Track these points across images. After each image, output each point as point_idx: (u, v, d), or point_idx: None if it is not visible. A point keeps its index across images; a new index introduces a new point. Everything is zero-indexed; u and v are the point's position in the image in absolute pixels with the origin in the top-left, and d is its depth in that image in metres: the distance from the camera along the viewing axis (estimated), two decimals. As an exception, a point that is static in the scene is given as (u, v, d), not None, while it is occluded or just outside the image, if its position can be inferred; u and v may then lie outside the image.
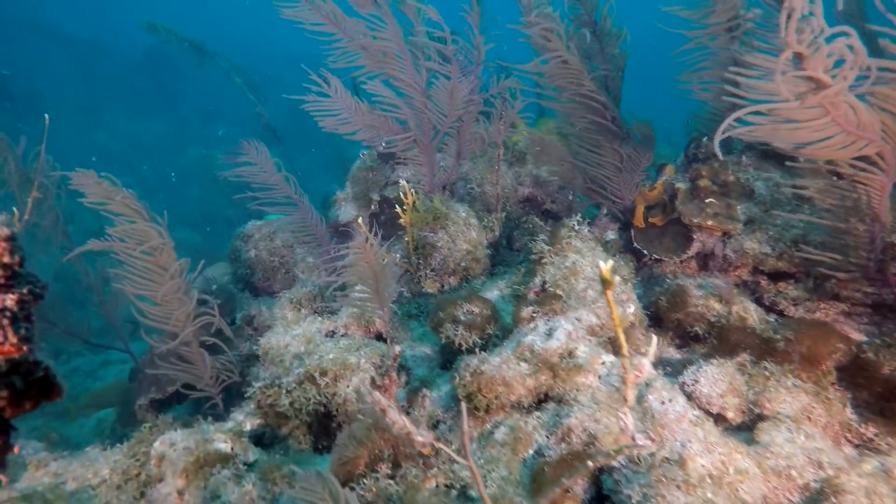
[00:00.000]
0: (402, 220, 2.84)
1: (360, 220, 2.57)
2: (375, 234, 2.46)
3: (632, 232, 3.12)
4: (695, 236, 2.87)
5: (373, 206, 3.70)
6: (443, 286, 2.96)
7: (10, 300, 1.08)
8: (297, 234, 3.60)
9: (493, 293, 2.67)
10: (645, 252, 2.99)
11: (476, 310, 2.45)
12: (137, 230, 2.77)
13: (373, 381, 2.03)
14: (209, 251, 8.61)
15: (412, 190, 2.82)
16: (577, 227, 2.60)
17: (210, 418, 2.64)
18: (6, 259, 1.09)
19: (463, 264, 2.92)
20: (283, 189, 3.26)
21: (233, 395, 3.19)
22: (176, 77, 20.10)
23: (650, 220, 3.07)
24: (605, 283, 1.15)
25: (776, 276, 2.66)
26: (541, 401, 2.12)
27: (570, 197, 3.52)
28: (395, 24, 2.82)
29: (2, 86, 16.88)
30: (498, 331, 2.44)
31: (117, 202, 2.68)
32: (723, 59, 2.93)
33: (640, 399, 1.98)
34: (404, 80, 2.86)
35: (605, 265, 1.15)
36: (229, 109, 18.58)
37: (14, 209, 3.00)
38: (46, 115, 3.07)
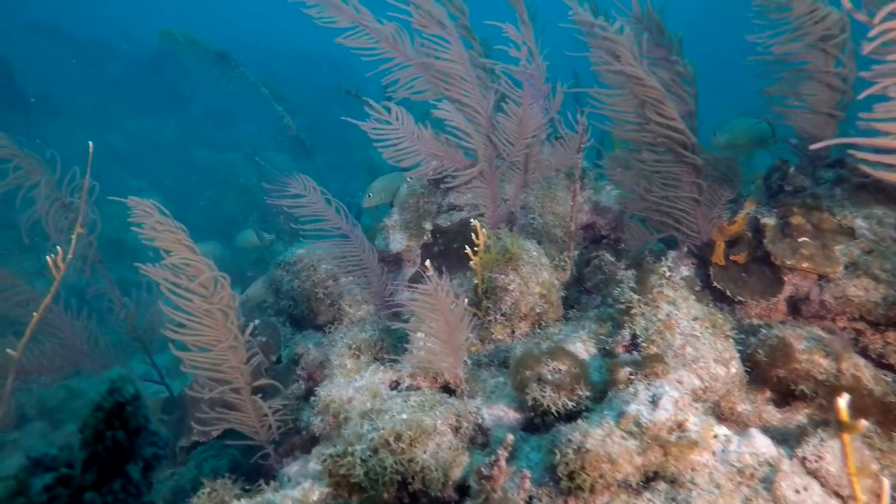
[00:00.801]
0: (472, 263, 2.64)
1: (425, 261, 2.37)
2: (439, 272, 2.27)
3: (710, 269, 2.92)
4: (786, 278, 2.67)
5: (425, 237, 3.50)
6: (513, 332, 2.76)
7: (134, 471, 0.89)
8: (344, 265, 3.40)
9: (575, 346, 2.46)
10: (727, 292, 2.78)
11: (563, 367, 2.25)
12: (190, 266, 2.56)
13: (479, 472, 1.83)
14: (234, 264, 8.43)
15: (483, 228, 2.62)
16: (668, 274, 2.40)
17: (263, 482, 2.45)
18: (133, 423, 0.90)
19: (537, 309, 2.71)
20: (334, 220, 3.06)
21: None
22: (184, 77, 19.92)
23: (731, 257, 2.87)
24: (844, 427, 0.94)
25: (881, 326, 2.45)
26: (649, 479, 1.92)
27: (628, 224, 3.31)
28: (459, 45, 2.59)
29: (15, 91, 16.69)
30: (588, 391, 2.23)
31: (170, 238, 2.47)
32: (818, 76, 2.72)
33: (769, 485, 1.78)
34: (470, 104, 2.64)
35: (842, 402, 0.94)
36: (239, 110, 18.41)
37: (58, 247, 2.80)
38: (90, 143, 2.86)
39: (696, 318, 2.30)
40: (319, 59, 21.25)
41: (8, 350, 2.52)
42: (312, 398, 3.12)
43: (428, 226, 3.49)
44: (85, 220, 3.63)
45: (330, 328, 3.66)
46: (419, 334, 2.72)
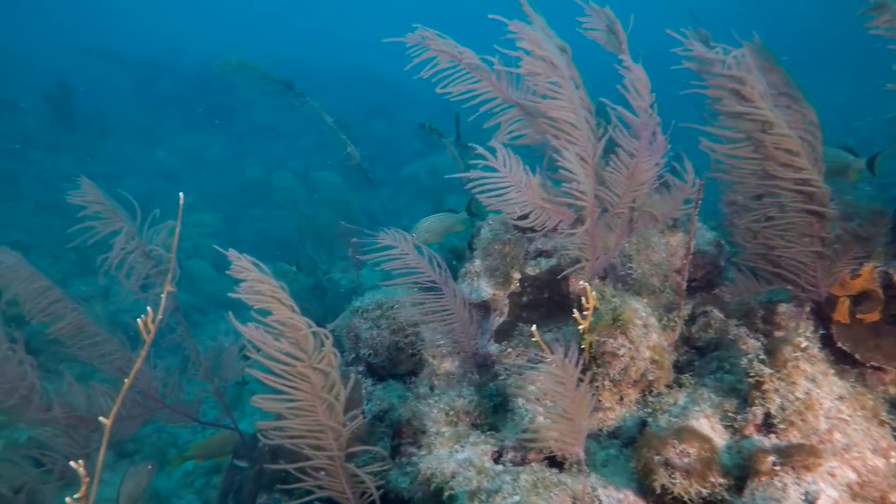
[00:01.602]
0: (581, 327, 2.47)
1: (514, 312, 2.19)
2: (529, 323, 2.10)
3: (832, 328, 2.70)
4: (929, 344, 2.44)
5: (513, 286, 3.34)
6: (622, 398, 2.57)
7: None
8: (427, 312, 3.25)
9: (699, 422, 2.27)
10: (857, 356, 2.56)
11: (693, 451, 2.06)
12: (288, 325, 2.42)
13: None
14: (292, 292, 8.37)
15: (592, 290, 2.44)
16: (804, 345, 2.19)
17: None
18: None
19: (648, 376, 2.53)
20: (427, 273, 2.91)
21: None
22: (229, 93, 20.13)
23: (859, 315, 2.64)
24: None
25: None
26: (809, 591, 1.72)
27: (736, 274, 3.10)
28: (571, 88, 2.41)
29: (72, 111, 17.06)
30: (722, 478, 2.04)
31: (269, 295, 2.34)
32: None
33: None
34: (563, 151, 2.46)
35: None
36: (284, 126, 18.52)
37: (148, 308, 2.70)
38: (181, 194, 2.75)
39: (840, 398, 2.09)
40: (362, 73, 21.29)
41: (101, 418, 2.43)
42: (401, 458, 2.98)
43: (516, 274, 3.33)
44: (164, 270, 3.54)
45: (412, 380, 3.52)
46: (525, 401, 2.56)
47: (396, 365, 3.53)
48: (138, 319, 2.91)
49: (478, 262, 3.54)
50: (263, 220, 12.05)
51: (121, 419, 3.40)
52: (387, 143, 15.29)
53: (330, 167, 14.51)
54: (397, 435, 3.23)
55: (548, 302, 3.28)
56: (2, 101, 18.81)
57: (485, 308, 3.41)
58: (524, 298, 3.32)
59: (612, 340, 2.53)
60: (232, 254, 2.27)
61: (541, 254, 3.42)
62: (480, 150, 2.39)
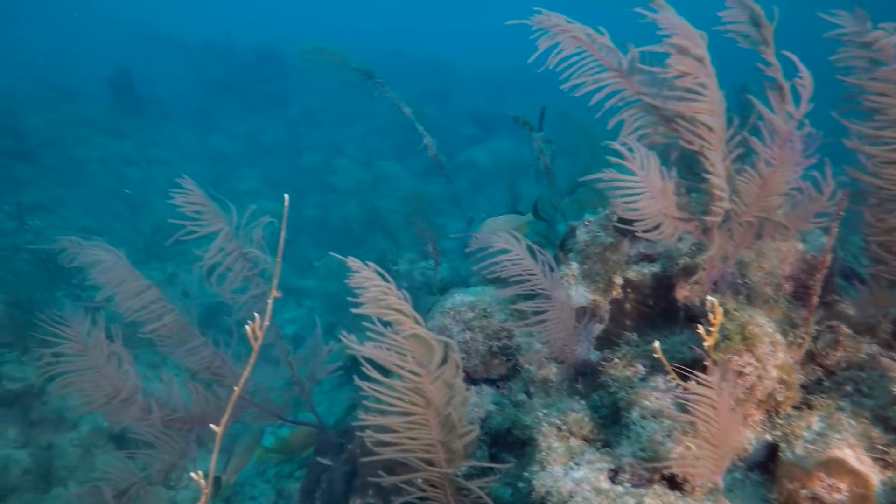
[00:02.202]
0: (705, 344, 2.34)
1: (617, 318, 2.08)
2: (633, 331, 1.99)
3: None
4: None
5: (615, 292, 3.22)
6: (746, 419, 2.45)
7: None
8: (524, 316, 3.17)
9: (843, 452, 2.14)
10: None
11: (843, 486, 1.94)
12: (406, 341, 2.34)
13: None
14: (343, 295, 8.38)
15: (719, 306, 2.31)
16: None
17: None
18: None
19: (777, 396, 2.40)
20: (541, 280, 2.82)
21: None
22: (283, 79, 20.25)
23: None
24: None
25: None
26: None
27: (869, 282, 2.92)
28: (716, 90, 2.25)
29: (134, 97, 17.37)
30: (877, 517, 1.91)
31: (394, 307, 2.27)
32: None
33: None
34: (709, 158, 2.32)
35: None
36: (337, 112, 18.54)
37: (255, 314, 2.67)
38: (286, 195, 2.69)
39: None
40: (412, 58, 21.14)
41: (212, 425, 2.42)
42: (502, 469, 2.92)
43: (619, 280, 3.21)
44: (257, 269, 3.52)
45: (505, 385, 3.45)
46: (641, 417, 2.46)
47: (489, 370, 3.46)
48: (246, 326, 2.89)
49: (574, 265, 3.43)
50: (321, 206, 12.09)
51: (212, 419, 3.40)
52: (441, 128, 15.14)
53: (389, 155, 14.50)
54: (495, 444, 3.17)
55: (652, 310, 3.16)
56: (67, 89, 19.32)
57: (582, 314, 3.31)
58: (627, 305, 3.20)
59: (737, 358, 2.41)
60: (352, 262, 2.21)
61: (643, 258, 3.30)
62: (618, 146, 2.25)
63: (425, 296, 5.86)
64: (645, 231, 2.46)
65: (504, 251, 2.78)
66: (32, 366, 5.92)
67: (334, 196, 11.66)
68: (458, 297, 3.69)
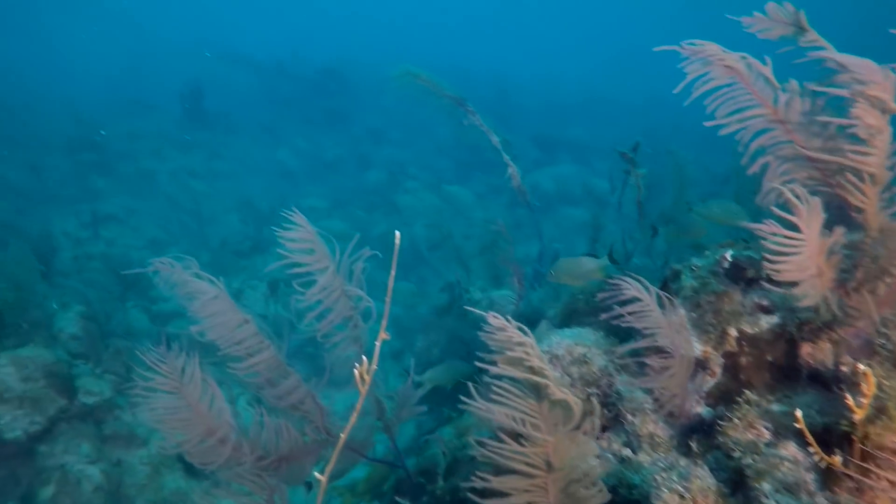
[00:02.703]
0: (856, 417, 2.13)
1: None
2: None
3: None
4: None
5: (728, 345, 3.01)
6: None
7: None
8: (628, 363, 2.98)
9: None
10: None
11: None
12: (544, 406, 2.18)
13: None
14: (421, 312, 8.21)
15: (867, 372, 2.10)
16: None
17: None
18: None
19: (937, 480, 2.16)
20: (665, 334, 2.63)
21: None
22: (346, 97, 20.48)
23: None
24: None
25: None
26: None
27: None
28: (888, 136, 2.03)
29: (203, 111, 17.79)
30: None
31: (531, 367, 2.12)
32: None
33: None
34: (869, 214, 2.10)
35: None
36: (400, 130, 18.63)
37: (363, 357, 2.55)
38: (397, 232, 2.55)
39: None
40: (480, 79, 21.14)
41: (316, 473, 2.30)
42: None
43: (733, 331, 2.99)
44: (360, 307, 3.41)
45: (603, 436, 3.26)
46: (782, 493, 2.25)
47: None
48: (354, 370, 2.78)
49: (682, 312, 3.22)
50: (384, 227, 12.06)
51: (298, 456, 3.30)
52: (505, 149, 15.02)
53: (451, 175, 14.43)
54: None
55: (771, 366, 2.93)
56: (142, 102, 19.94)
57: (692, 365, 3.10)
58: (742, 360, 2.98)
59: (891, 436, 2.18)
60: (494, 320, 2.06)
61: (759, 309, 3.07)
62: (788, 195, 2.03)
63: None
64: (790, 289, 2.25)
65: (637, 299, 2.60)
66: (107, 380, 5.97)
67: (398, 217, 11.62)
68: (555, 339, 3.51)
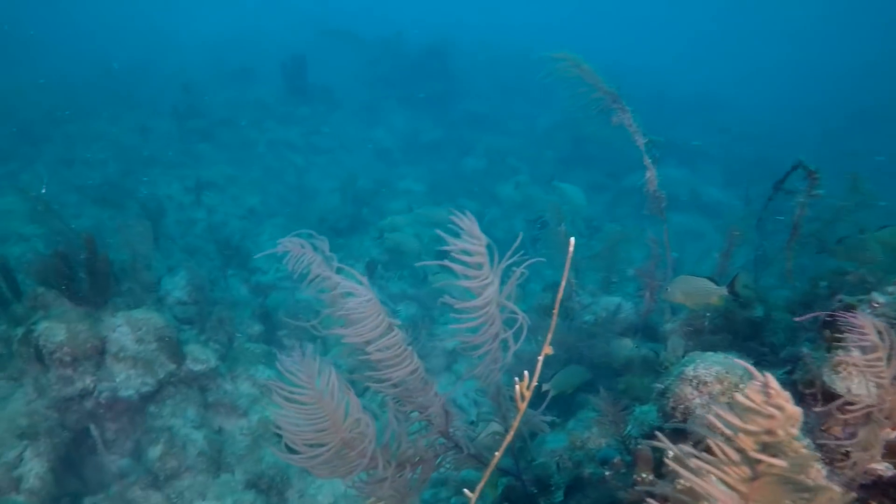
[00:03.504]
0: None
1: None
2: None
3: None
4: None
5: (918, 394, 2.69)
6: None
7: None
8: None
9: None
10: None
11: None
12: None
13: None
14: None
15: None
16: None
17: None
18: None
19: None
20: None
21: None
22: (447, 80, 20.35)
23: None
24: None
25: None
26: None
27: None
28: None
29: (305, 85, 18.02)
30: None
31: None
32: None
33: None
34: None
35: None
36: (497, 118, 18.37)
37: (524, 373, 2.39)
38: (572, 239, 2.37)
39: None
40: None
41: (465, 490, 2.16)
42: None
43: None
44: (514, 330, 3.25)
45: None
46: None
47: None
48: (516, 385, 2.62)
49: (856, 353, 2.92)
50: (479, 216, 11.90)
51: (421, 464, 3.17)
52: (609, 145, 14.60)
53: (550, 166, 14.09)
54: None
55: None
56: (244, 72, 20.39)
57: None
58: (933, 412, 2.66)
59: None
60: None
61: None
62: None
63: (615, 337, 5.45)
64: None
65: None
66: (211, 348, 6.05)
67: (497, 208, 11.43)
68: (702, 363, 3.26)
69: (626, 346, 5.12)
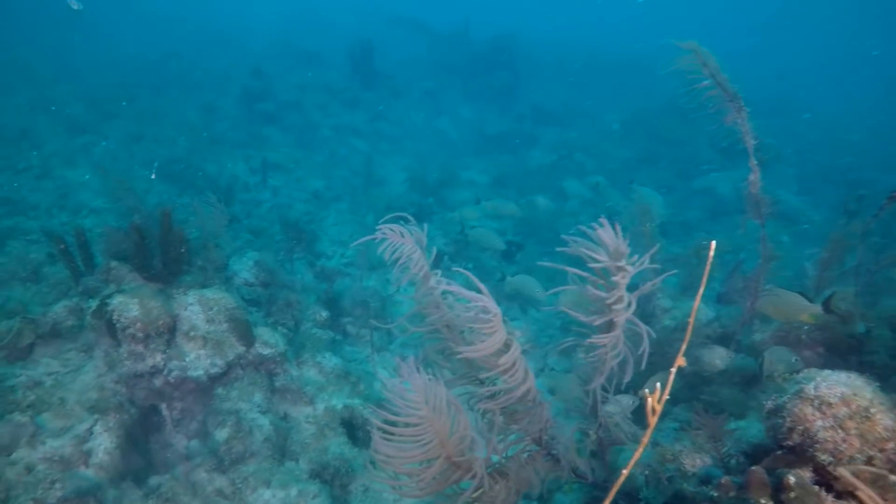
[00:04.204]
0: None
1: None
2: None
3: None
4: None
5: None
6: None
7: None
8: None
9: None
10: None
11: None
12: None
13: None
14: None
15: None
16: None
17: None
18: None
19: None
20: None
21: None
22: (514, 72, 20.03)
23: None
24: None
25: None
26: None
27: None
28: None
29: (367, 70, 17.93)
30: None
31: None
32: None
33: None
34: None
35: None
36: (564, 112, 17.97)
37: (656, 384, 2.16)
38: (713, 243, 2.15)
39: None
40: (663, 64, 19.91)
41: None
42: None
43: None
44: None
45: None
46: None
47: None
48: (647, 398, 2.37)
49: None
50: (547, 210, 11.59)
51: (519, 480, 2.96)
52: (680, 145, 14.11)
53: (619, 164, 13.67)
54: None
55: None
56: (312, 57, 20.43)
57: None
58: None
59: None
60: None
61: None
62: None
63: (704, 344, 5.11)
64: None
65: None
66: (280, 332, 5.94)
67: (564, 202, 11.10)
68: (824, 382, 2.96)
69: (720, 355, 4.81)
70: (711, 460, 3.89)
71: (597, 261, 2.32)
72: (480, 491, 2.52)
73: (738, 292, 6.02)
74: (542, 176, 12.66)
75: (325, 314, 6.87)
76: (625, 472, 2.12)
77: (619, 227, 2.39)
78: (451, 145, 15.99)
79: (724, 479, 3.04)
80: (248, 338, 5.56)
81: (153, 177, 9.22)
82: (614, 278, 2.33)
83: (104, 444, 4.81)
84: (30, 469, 4.50)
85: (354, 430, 5.57)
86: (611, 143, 14.51)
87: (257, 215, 10.85)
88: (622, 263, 2.30)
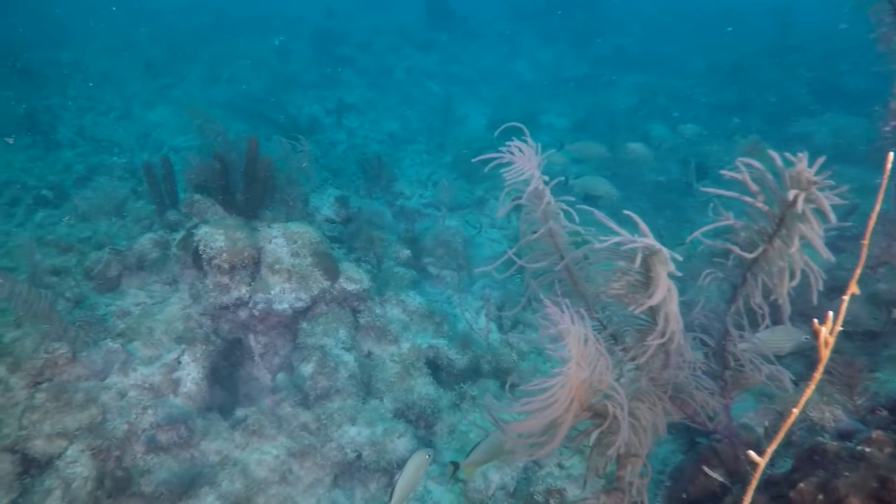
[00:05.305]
0: None
1: None
2: None
3: None
4: None
5: None
6: None
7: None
8: None
9: None
10: None
11: None
12: None
13: None
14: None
15: None
16: None
17: None
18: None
19: None
20: None
21: None
22: (594, 13, 19.15)
23: None
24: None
25: None
26: None
27: None
28: None
29: (442, 11, 17.44)
30: None
31: None
32: None
33: None
34: None
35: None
36: (646, 55, 17.09)
37: (828, 313, 1.81)
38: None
39: None
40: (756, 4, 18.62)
41: (750, 453, 1.66)
42: None
43: None
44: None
45: None
46: None
47: None
48: (820, 329, 2.05)
49: None
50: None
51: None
52: (771, 88, 13.19)
53: (703, 110, 12.92)
54: None
55: None
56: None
57: None
58: None
59: None
60: None
61: None
62: None
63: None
64: None
65: None
66: (363, 268, 5.78)
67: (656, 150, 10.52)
68: None
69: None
70: (844, 413, 3.54)
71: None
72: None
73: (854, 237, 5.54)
74: (625, 119, 12.06)
75: (406, 252, 6.68)
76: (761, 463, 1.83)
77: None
78: (527, 88, 15.44)
79: (877, 433, 2.70)
80: (333, 272, 5.41)
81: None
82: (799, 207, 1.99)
83: (192, 374, 4.77)
84: (122, 394, 4.49)
85: (438, 370, 5.40)
86: (695, 88, 13.70)
87: (333, 156, 10.70)
88: (812, 190, 1.96)
